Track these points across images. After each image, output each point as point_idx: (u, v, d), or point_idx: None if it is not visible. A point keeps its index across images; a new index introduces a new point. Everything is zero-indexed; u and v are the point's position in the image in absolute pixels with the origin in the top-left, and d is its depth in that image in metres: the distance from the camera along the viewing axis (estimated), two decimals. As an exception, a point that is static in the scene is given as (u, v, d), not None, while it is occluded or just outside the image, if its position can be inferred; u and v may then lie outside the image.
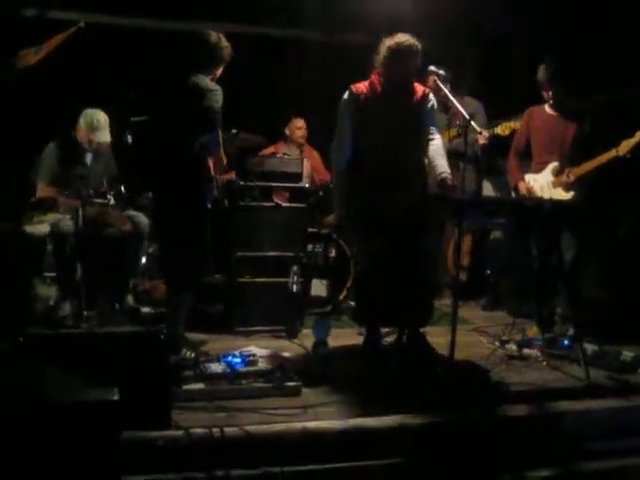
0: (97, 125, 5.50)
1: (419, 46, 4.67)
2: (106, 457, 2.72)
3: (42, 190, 5.41)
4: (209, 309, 5.82)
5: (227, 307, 5.68)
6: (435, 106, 4.94)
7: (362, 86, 4.81)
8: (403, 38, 4.65)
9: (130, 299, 5.70)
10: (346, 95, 4.84)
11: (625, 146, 5.01)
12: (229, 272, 5.68)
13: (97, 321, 5.12)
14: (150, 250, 5.99)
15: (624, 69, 6.41)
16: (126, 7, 6.86)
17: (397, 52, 4.65)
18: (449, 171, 4.81)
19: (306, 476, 3.36)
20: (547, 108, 5.53)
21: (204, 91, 4.59)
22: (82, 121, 5.52)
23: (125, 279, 5.63)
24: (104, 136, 5.54)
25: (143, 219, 5.60)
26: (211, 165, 4.73)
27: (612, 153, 5.07)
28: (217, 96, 4.58)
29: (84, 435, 2.71)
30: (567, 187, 5.31)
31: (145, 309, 5.68)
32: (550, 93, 5.44)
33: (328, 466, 3.40)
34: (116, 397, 2.77)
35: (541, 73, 5.42)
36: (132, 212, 5.64)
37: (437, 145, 4.88)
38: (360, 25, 6.97)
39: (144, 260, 5.96)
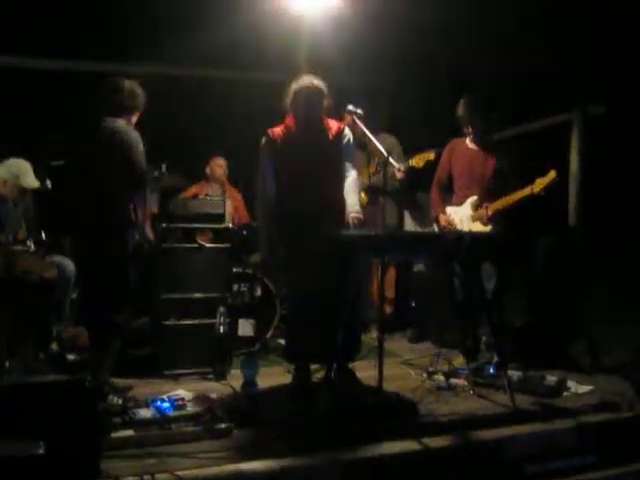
0: (25, 171, 5.41)
1: (322, 86, 4.89)
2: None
3: None
4: (135, 353, 5.72)
5: (154, 350, 5.60)
6: (351, 141, 5.07)
7: (278, 129, 4.97)
8: (307, 80, 4.87)
9: (54, 346, 5.57)
10: (263, 140, 5.00)
11: (539, 184, 5.16)
12: (154, 315, 5.62)
13: (19, 371, 4.99)
14: (73, 295, 5.88)
15: (539, 101, 6.63)
16: (41, 49, 6.78)
17: (302, 94, 4.86)
18: (358, 209, 4.97)
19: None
20: (468, 142, 5.65)
21: (128, 142, 4.57)
22: (7, 172, 5.40)
23: (49, 326, 5.51)
24: (34, 181, 5.45)
25: (69, 263, 5.50)
26: (131, 210, 4.70)
27: (527, 191, 5.21)
28: (141, 150, 4.57)
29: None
30: (485, 221, 5.43)
31: (70, 356, 5.56)
32: (470, 128, 5.57)
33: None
34: (41, 451, 2.70)
35: (461, 108, 5.54)
36: (57, 257, 5.54)
37: (349, 182, 5.01)
38: (276, 64, 7.04)
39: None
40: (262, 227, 5.13)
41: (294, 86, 4.90)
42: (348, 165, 5.04)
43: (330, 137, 4.95)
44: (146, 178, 4.66)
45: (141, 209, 4.70)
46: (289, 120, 4.97)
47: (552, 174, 5.16)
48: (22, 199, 5.60)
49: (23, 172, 5.42)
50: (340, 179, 5.01)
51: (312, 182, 4.86)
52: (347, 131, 5.03)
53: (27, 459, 2.69)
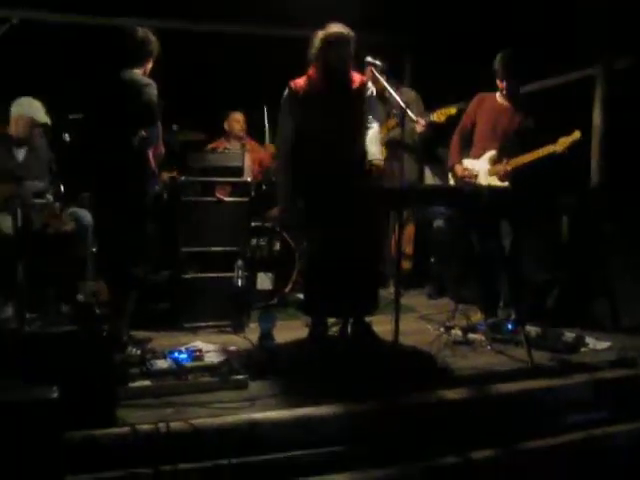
0: (37, 107, 5.42)
1: (351, 34, 4.76)
2: (48, 456, 2.69)
3: None
4: (154, 306, 5.77)
5: (173, 303, 5.64)
6: (374, 94, 5.02)
7: (300, 81, 4.89)
8: (335, 28, 4.75)
9: (82, 298, 5.60)
10: (285, 92, 4.93)
11: (562, 143, 5.10)
12: (174, 268, 5.65)
13: (41, 323, 5.04)
14: (94, 249, 5.90)
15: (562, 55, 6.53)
16: (56, 3, 6.76)
17: (330, 42, 4.74)
18: (380, 157, 4.93)
19: (254, 467, 3.36)
20: (498, 97, 5.55)
21: (139, 86, 4.59)
22: (20, 107, 5.43)
23: (72, 278, 5.55)
24: (45, 117, 5.46)
25: (86, 214, 5.52)
26: (151, 159, 4.71)
27: (549, 149, 5.14)
28: (153, 90, 4.58)
29: (24, 435, 2.67)
30: (502, 177, 5.36)
31: (96, 309, 5.59)
32: (504, 83, 5.47)
33: (276, 456, 3.41)
34: (55, 395, 2.74)
35: (498, 62, 5.44)
36: (74, 209, 5.56)
37: (371, 133, 4.95)
38: (297, 19, 6.97)
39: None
40: (281, 179, 5.09)
41: (321, 34, 4.77)
42: (371, 118, 4.99)
43: (353, 89, 4.88)
44: (157, 113, 4.63)
45: (156, 143, 4.71)
46: (312, 71, 4.88)
47: (576, 134, 5.09)
48: (36, 141, 5.59)
49: (35, 108, 5.43)
50: (361, 132, 4.96)
51: (333, 134, 4.80)
52: (370, 84, 4.97)
53: (41, 403, 2.72)
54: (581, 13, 6.19)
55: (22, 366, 3.12)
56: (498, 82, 5.49)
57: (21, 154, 5.49)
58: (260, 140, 7.32)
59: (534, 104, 5.62)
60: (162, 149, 4.82)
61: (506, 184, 5.33)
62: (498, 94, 5.55)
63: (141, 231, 4.67)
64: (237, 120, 7.20)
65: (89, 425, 3.20)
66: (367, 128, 4.97)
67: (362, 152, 4.97)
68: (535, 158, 5.21)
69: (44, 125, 5.50)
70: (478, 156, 5.51)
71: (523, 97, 5.63)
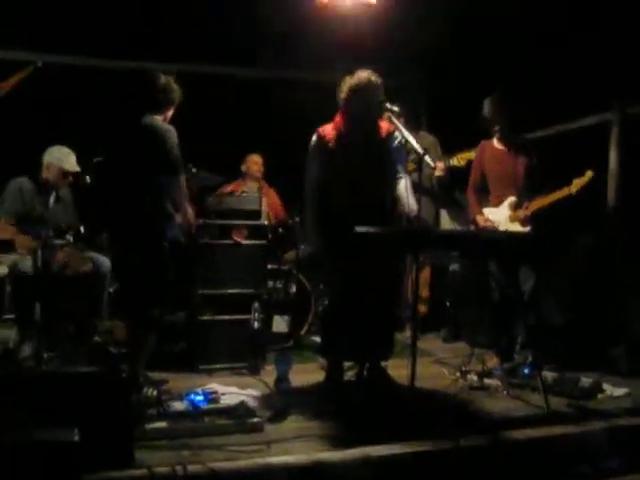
0: (68, 155, 5.55)
1: (379, 81, 4.77)
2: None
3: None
4: (171, 348, 5.79)
5: (189, 345, 5.67)
6: (402, 143, 4.93)
7: (328, 128, 4.92)
8: (364, 75, 4.75)
9: (97, 338, 5.64)
10: (314, 138, 4.96)
11: (576, 185, 5.23)
12: (190, 310, 5.68)
13: (58, 362, 5.07)
14: (110, 289, 5.95)
15: (566, 103, 6.61)
16: (80, 47, 6.88)
17: (357, 89, 4.75)
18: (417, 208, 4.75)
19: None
20: (495, 143, 5.65)
21: (160, 132, 4.64)
22: (50, 156, 5.57)
23: (88, 319, 5.59)
24: (75, 165, 5.58)
25: (105, 260, 5.58)
26: (169, 205, 4.76)
27: (565, 192, 5.24)
28: (174, 137, 4.64)
29: (45, 476, 2.68)
30: (524, 222, 5.40)
31: (112, 349, 5.62)
32: (496, 128, 5.55)
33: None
34: (76, 437, 2.75)
35: (486, 108, 5.54)
36: (93, 254, 5.63)
37: (405, 183, 4.86)
38: (314, 63, 7.07)
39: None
40: (309, 226, 5.12)
41: (349, 80, 4.79)
42: (400, 167, 4.95)
43: (379, 138, 4.90)
44: (180, 165, 4.70)
45: (179, 196, 4.76)
46: (339, 118, 4.90)
47: (589, 174, 5.19)
48: (63, 191, 5.69)
49: (65, 156, 5.59)
50: (388, 180, 4.94)
51: (360, 182, 4.81)
52: (397, 134, 4.91)
53: (63, 445, 2.74)
54: (597, 59, 6.26)
55: (40, 405, 3.14)
56: (491, 128, 5.57)
57: (51, 201, 5.56)
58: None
59: (531, 145, 5.69)
60: (186, 199, 4.88)
61: (528, 229, 5.37)
62: (495, 140, 5.63)
63: (161, 273, 4.70)
64: (255, 162, 7.27)
65: (106, 466, 3.21)
66: (398, 178, 4.91)
67: (385, 199, 4.97)
68: (552, 201, 5.27)
69: (74, 173, 5.60)
70: (497, 204, 5.56)
71: (518, 140, 5.70)
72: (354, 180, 4.80)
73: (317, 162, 4.93)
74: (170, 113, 4.88)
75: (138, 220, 4.66)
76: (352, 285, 4.82)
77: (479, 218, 5.63)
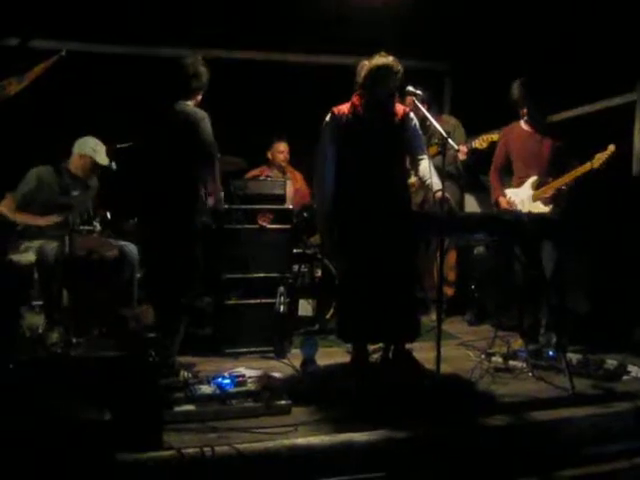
0: (102, 148, 5.59)
1: (399, 66, 4.75)
2: (101, 476, 2.75)
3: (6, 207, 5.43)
4: (198, 332, 5.84)
5: (215, 329, 5.71)
6: (417, 125, 4.99)
7: (344, 107, 4.89)
8: (383, 59, 4.73)
9: (132, 323, 5.68)
10: (328, 117, 4.92)
11: (598, 159, 5.18)
12: (216, 295, 5.72)
13: (86, 348, 5.13)
14: (138, 275, 5.99)
15: (592, 84, 6.57)
16: (106, 35, 6.91)
17: (377, 72, 4.72)
18: (441, 187, 4.68)
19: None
20: (523, 124, 5.63)
21: (196, 120, 4.68)
22: (85, 146, 5.59)
23: (116, 304, 5.63)
24: (105, 159, 5.61)
25: (132, 248, 5.63)
26: (201, 191, 4.80)
27: (587, 166, 5.21)
28: (208, 124, 4.67)
29: (79, 453, 2.74)
30: (546, 201, 5.40)
31: (144, 334, 5.65)
32: (525, 110, 5.55)
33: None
34: (108, 417, 2.81)
35: (515, 91, 5.53)
36: (120, 242, 5.67)
37: (427, 164, 4.87)
38: (341, 47, 7.05)
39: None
40: (319, 206, 5.12)
41: (368, 63, 4.77)
42: (419, 149, 4.97)
43: (396, 121, 4.88)
44: (215, 150, 4.73)
45: (213, 181, 4.80)
46: (356, 99, 4.88)
47: (611, 148, 5.17)
48: (92, 181, 5.75)
49: (98, 149, 5.60)
50: (401, 164, 4.98)
51: (374, 164, 4.82)
52: (412, 115, 4.95)
53: (96, 423, 2.79)
54: (621, 40, 6.20)
55: (71, 389, 3.20)
56: (520, 110, 5.56)
57: (76, 192, 5.62)
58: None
59: (558, 127, 5.66)
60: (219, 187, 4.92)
61: (550, 207, 5.36)
62: (522, 122, 5.62)
63: (192, 259, 4.74)
64: (281, 151, 7.27)
65: (136, 448, 3.26)
66: (419, 160, 4.95)
67: (402, 181, 5.01)
68: (575, 177, 5.26)
69: (104, 167, 5.65)
70: (519, 185, 5.55)
71: (547, 122, 5.72)
72: (370, 162, 4.81)
73: (330, 141, 4.88)
74: (199, 98, 4.91)
75: (172, 206, 4.70)
76: (367, 268, 4.81)
77: (501, 200, 5.62)
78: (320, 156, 4.94)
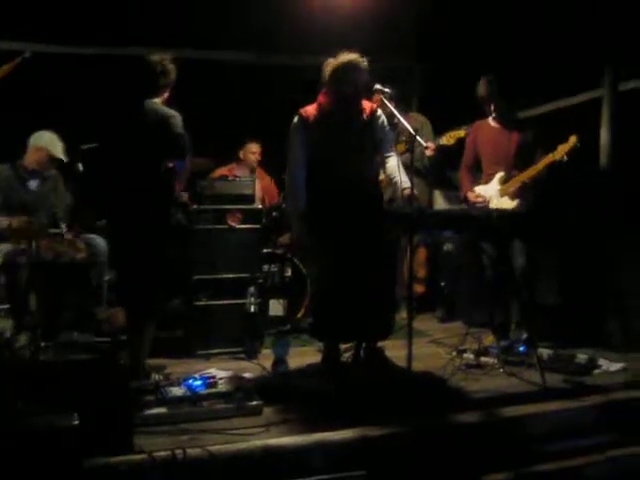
0: (56, 142, 5.56)
1: (364, 62, 4.74)
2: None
3: None
4: (168, 333, 5.78)
5: (186, 331, 5.67)
6: (385, 122, 4.99)
7: (310, 108, 4.89)
8: (347, 56, 4.73)
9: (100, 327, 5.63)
10: (295, 119, 4.91)
11: (560, 151, 5.22)
12: (186, 296, 5.68)
13: (55, 352, 5.07)
14: (107, 277, 5.92)
15: (559, 81, 6.63)
16: (70, 35, 6.84)
17: (342, 69, 4.72)
18: (409, 185, 4.68)
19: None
20: (491, 121, 5.66)
21: (166, 116, 4.63)
22: (40, 139, 5.58)
23: (85, 306, 5.58)
24: (62, 153, 5.59)
25: (101, 242, 5.58)
26: (174, 190, 4.78)
27: (549, 158, 5.25)
28: (179, 121, 4.62)
29: (46, 461, 2.71)
30: (512, 195, 5.41)
31: (112, 337, 5.60)
32: (492, 107, 5.57)
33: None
34: (76, 422, 2.77)
35: (481, 88, 5.56)
36: (89, 235, 5.61)
37: (395, 161, 4.89)
38: (310, 47, 7.04)
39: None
40: (292, 207, 5.10)
41: (333, 62, 4.76)
42: (387, 146, 4.98)
43: (364, 117, 4.88)
44: (187, 147, 4.69)
45: (184, 176, 4.82)
46: (322, 98, 4.87)
47: (573, 139, 5.22)
48: (49, 172, 5.69)
49: (54, 142, 5.59)
50: (371, 160, 4.97)
51: (344, 162, 4.81)
52: (380, 112, 4.95)
53: (62, 430, 2.76)
54: (587, 38, 6.27)
55: (38, 393, 3.15)
56: (486, 107, 5.59)
57: (34, 185, 5.57)
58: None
59: (525, 121, 5.69)
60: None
61: (517, 202, 5.38)
62: (490, 119, 5.65)
63: (162, 261, 4.69)
64: (253, 152, 7.27)
65: (106, 452, 3.23)
66: (386, 156, 4.96)
67: (373, 178, 5.01)
68: (539, 170, 5.29)
69: (59, 161, 5.60)
70: (488, 181, 5.57)
71: (515, 118, 5.74)
72: (337, 160, 4.81)
73: (299, 143, 4.87)
74: (166, 95, 4.86)
75: (145, 205, 4.65)
76: (341, 267, 4.80)
77: (470, 195, 5.63)
78: (291, 158, 4.93)
